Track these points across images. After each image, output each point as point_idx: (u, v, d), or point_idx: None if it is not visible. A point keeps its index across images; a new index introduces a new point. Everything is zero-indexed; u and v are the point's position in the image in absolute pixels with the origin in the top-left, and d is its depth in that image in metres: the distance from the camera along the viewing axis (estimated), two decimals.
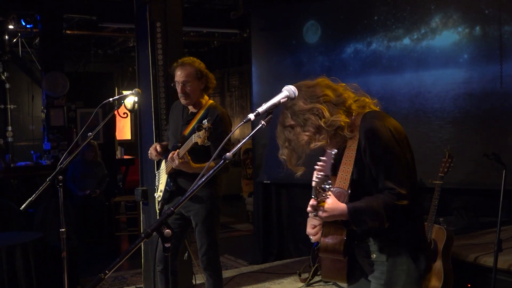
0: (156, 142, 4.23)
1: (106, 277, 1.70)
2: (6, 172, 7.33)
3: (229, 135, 2.37)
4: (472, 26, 5.03)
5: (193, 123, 3.52)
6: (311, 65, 5.91)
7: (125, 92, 3.86)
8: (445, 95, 5.16)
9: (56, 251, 3.78)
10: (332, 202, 2.00)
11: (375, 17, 5.58)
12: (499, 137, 4.94)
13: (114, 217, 7.35)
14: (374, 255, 2.13)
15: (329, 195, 1.99)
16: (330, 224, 2.10)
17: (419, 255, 2.11)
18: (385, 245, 2.10)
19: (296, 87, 2.09)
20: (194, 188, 1.85)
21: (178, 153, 3.35)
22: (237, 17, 7.44)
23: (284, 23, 6.11)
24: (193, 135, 3.22)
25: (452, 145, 4.67)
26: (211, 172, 1.91)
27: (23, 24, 8.19)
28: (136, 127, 7.89)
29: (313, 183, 1.96)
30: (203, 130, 3.12)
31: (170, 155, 3.38)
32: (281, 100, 2.01)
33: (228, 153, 1.88)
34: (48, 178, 3.27)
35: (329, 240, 2.11)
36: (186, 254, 4.32)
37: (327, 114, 2.03)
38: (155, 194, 3.84)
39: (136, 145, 5.71)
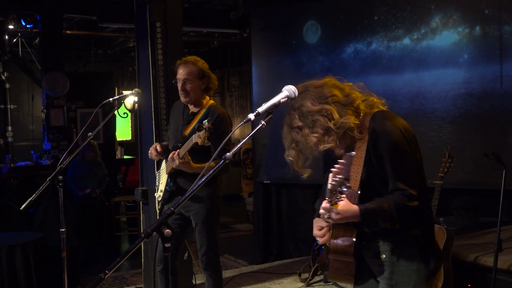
0: (156, 142, 4.23)
1: (106, 277, 1.70)
2: (7, 172, 7.32)
3: (229, 135, 2.36)
4: (472, 26, 5.03)
5: (194, 123, 3.52)
6: (311, 65, 5.91)
7: (125, 92, 3.86)
8: (445, 95, 5.16)
9: (56, 251, 3.78)
10: (344, 204, 1.97)
11: (375, 17, 5.58)
12: (499, 137, 4.94)
13: (114, 217, 7.35)
14: (384, 256, 2.11)
15: (343, 197, 1.96)
16: (340, 225, 2.07)
17: (429, 255, 2.11)
18: (395, 246, 2.09)
19: (303, 87, 2.06)
20: (194, 188, 1.85)
21: (178, 153, 3.35)
22: (237, 17, 7.44)
23: (284, 23, 6.11)
24: (193, 135, 3.22)
25: (452, 145, 4.67)
26: (211, 172, 1.91)
27: (23, 24, 8.19)
28: (136, 127, 7.88)
29: (329, 186, 1.91)
30: (203, 130, 3.12)
31: (170, 155, 3.38)
32: (281, 100, 2.00)
33: (228, 153, 1.88)
34: (48, 178, 3.27)
35: (339, 242, 2.09)
36: (186, 254, 4.32)
37: (336, 115, 2.00)
38: (155, 194, 3.84)
39: (136, 145, 5.71)
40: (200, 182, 1.86)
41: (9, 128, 10.66)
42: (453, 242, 3.86)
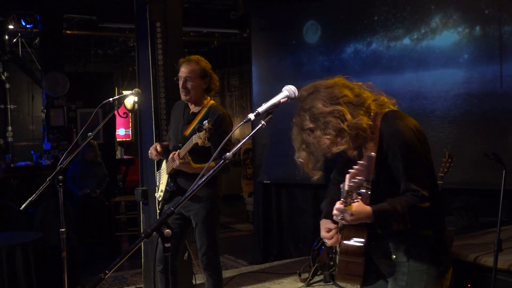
0: (156, 142, 4.23)
1: (106, 277, 1.70)
2: (6, 172, 7.32)
3: (228, 135, 2.36)
4: (472, 26, 5.03)
5: (194, 123, 3.52)
6: (311, 65, 5.91)
7: (125, 92, 3.86)
8: (445, 95, 5.16)
9: (56, 251, 3.78)
10: (358, 205, 1.94)
11: (375, 17, 5.58)
12: (499, 137, 4.94)
13: (114, 217, 7.35)
14: (394, 256, 2.10)
15: (359, 198, 1.93)
16: (351, 226, 2.05)
17: (440, 255, 2.10)
18: (406, 246, 2.08)
19: (313, 87, 2.04)
20: (194, 188, 1.85)
21: (178, 153, 3.35)
22: (237, 17, 7.44)
23: (284, 23, 6.11)
24: (193, 136, 3.22)
25: (452, 145, 4.67)
26: (211, 172, 1.91)
27: (23, 24, 8.19)
28: (136, 127, 7.88)
29: (347, 187, 1.88)
30: (204, 131, 3.11)
31: (170, 155, 3.38)
32: (281, 100, 1.99)
33: (228, 153, 1.87)
34: (48, 178, 3.27)
35: (350, 243, 2.07)
36: (186, 254, 4.32)
37: (348, 116, 1.97)
38: (155, 194, 3.84)
39: (136, 145, 5.71)
40: (200, 182, 1.86)
41: (9, 128, 10.67)
42: (453, 242, 3.86)
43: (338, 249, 2.26)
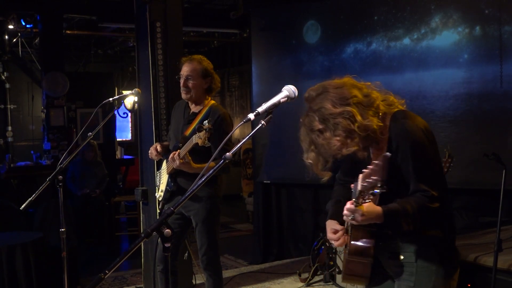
0: (156, 142, 4.23)
1: (106, 277, 1.70)
2: (6, 172, 7.33)
3: (228, 135, 2.36)
4: (472, 26, 5.03)
5: (195, 123, 3.52)
6: (311, 65, 5.91)
7: (125, 92, 3.86)
8: (445, 95, 5.16)
9: (56, 251, 3.78)
10: (369, 206, 1.92)
11: (375, 17, 5.58)
12: (499, 137, 4.94)
13: (114, 217, 7.35)
14: (402, 257, 2.08)
15: (371, 199, 1.90)
16: (359, 227, 2.03)
17: (448, 256, 2.09)
18: (414, 246, 2.06)
19: (322, 87, 2.02)
20: (194, 188, 1.85)
21: (179, 153, 3.35)
22: (237, 17, 7.44)
23: (284, 23, 6.11)
24: (193, 136, 3.22)
25: (452, 145, 4.67)
26: (211, 172, 1.91)
27: (23, 24, 8.19)
28: (136, 127, 7.88)
29: (360, 187, 1.84)
30: (204, 131, 3.12)
31: (171, 155, 3.38)
32: (281, 100, 1.98)
33: (228, 153, 1.87)
34: (48, 178, 3.27)
35: (359, 244, 2.05)
36: (186, 254, 4.32)
37: (359, 117, 1.95)
38: (156, 194, 3.84)
39: (136, 145, 5.71)
40: (200, 182, 1.85)
41: (9, 128, 10.67)
42: None
43: (344, 250, 2.25)
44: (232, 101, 11.65)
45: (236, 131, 9.92)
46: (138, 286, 5.13)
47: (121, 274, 5.65)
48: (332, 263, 4.71)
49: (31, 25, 8.23)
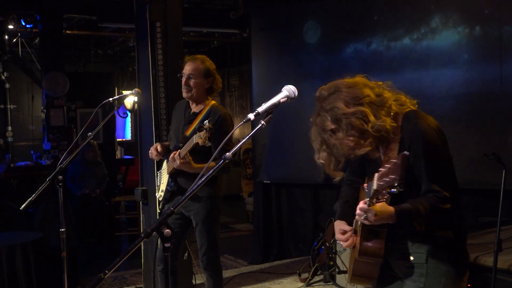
0: (155, 142, 4.23)
1: (106, 277, 1.70)
2: (6, 172, 7.33)
3: (228, 135, 2.36)
4: (472, 26, 5.03)
5: (195, 123, 3.52)
6: (311, 65, 5.91)
7: (125, 92, 3.86)
8: (445, 95, 5.16)
9: (56, 251, 3.78)
10: (382, 205, 1.91)
11: (375, 17, 5.57)
12: (499, 137, 4.94)
13: (114, 217, 7.35)
14: (412, 257, 2.06)
15: (386, 198, 1.89)
16: (369, 227, 2.01)
17: (458, 257, 2.07)
18: (425, 247, 2.04)
19: (334, 87, 2.00)
20: (194, 188, 1.85)
21: (179, 153, 3.35)
22: (237, 17, 7.44)
23: (284, 23, 6.11)
24: (194, 136, 3.22)
25: (452, 145, 4.64)
26: (210, 172, 1.91)
27: (23, 24, 8.19)
28: (136, 127, 7.88)
29: (376, 186, 1.81)
30: (204, 130, 3.12)
31: (171, 155, 3.38)
32: (281, 100, 1.97)
33: (227, 153, 1.86)
34: (48, 178, 3.27)
35: (369, 244, 2.03)
36: (186, 254, 4.32)
37: (372, 117, 1.94)
38: (156, 194, 3.84)
39: (136, 145, 5.71)
40: (200, 182, 1.85)
41: (9, 128, 10.67)
42: None
43: (351, 251, 2.23)
44: (232, 101, 11.65)
45: (236, 131, 9.92)
46: (138, 286, 5.13)
47: (121, 274, 5.65)
48: (332, 263, 4.71)
49: (31, 25, 8.23)
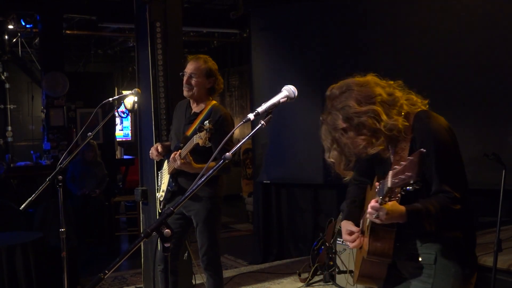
0: (155, 142, 4.23)
1: (106, 277, 1.70)
2: (6, 172, 7.33)
3: (228, 135, 2.35)
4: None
5: (196, 123, 3.52)
6: (311, 65, 5.90)
7: (125, 92, 3.86)
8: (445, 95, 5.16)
9: (56, 251, 3.78)
10: (393, 204, 1.88)
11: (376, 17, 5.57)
12: (499, 137, 4.94)
13: (114, 217, 7.35)
14: (421, 258, 2.04)
15: (398, 197, 1.85)
16: (379, 226, 1.99)
17: (467, 259, 2.05)
18: (434, 248, 2.03)
19: (346, 85, 1.99)
20: (194, 188, 1.85)
21: (180, 153, 3.35)
22: (237, 17, 7.43)
23: (284, 23, 6.10)
24: (194, 136, 3.22)
25: None
26: (210, 172, 1.91)
27: (23, 24, 8.20)
28: (136, 127, 7.88)
29: (390, 183, 1.76)
30: (204, 131, 3.12)
31: (172, 155, 3.38)
32: (281, 100, 1.97)
33: (227, 153, 1.86)
34: (48, 178, 3.27)
35: (378, 243, 2.02)
36: (186, 254, 4.32)
37: (384, 116, 1.92)
38: (157, 194, 3.85)
39: (136, 145, 5.71)
40: (200, 182, 1.85)
41: (9, 128, 10.68)
42: None
43: (358, 251, 2.22)
44: (232, 101, 11.66)
45: (236, 131, 9.91)
46: (138, 286, 5.14)
47: (121, 274, 5.65)
48: (332, 263, 4.71)
49: (31, 25, 8.23)
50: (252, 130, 5.29)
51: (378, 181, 1.98)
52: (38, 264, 4.26)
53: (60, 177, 3.31)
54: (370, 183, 2.29)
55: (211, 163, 2.22)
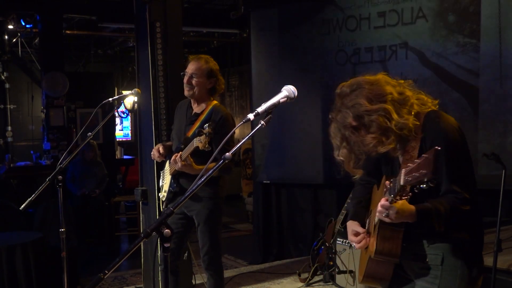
0: (155, 142, 4.23)
1: (105, 277, 1.70)
2: (6, 172, 7.33)
3: (228, 136, 2.35)
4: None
5: (197, 123, 3.52)
6: (311, 65, 5.90)
7: (124, 92, 3.86)
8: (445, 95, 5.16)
9: (56, 251, 3.78)
10: (403, 203, 1.87)
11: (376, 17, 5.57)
12: (499, 137, 4.94)
13: (114, 217, 7.35)
14: (428, 259, 2.03)
15: (409, 196, 1.82)
16: (387, 226, 1.98)
17: (474, 260, 2.04)
18: (441, 249, 2.01)
19: (356, 83, 1.99)
20: (193, 188, 1.85)
21: (180, 155, 3.35)
22: (237, 17, 7.44)
23: (284, 23, 6.10)
24: (194, 139, 3.22)
25: None
26: (210, 172, 1.90)
27: (23, 24, 8.20)
28: (136, 127, 7.89)
29: (403, 181, 1.74)
30: (204, 135, 3.11)
31: (173, 157, 3.38)
32: (281, 100, 1.97)
33: (227, 153, 1.86)
34: (48, 178, 3.27)
35: (386, 243, 2.01)
36: (186, 254, 4.32)
37: (395, 115, 1.91)
38: (159, 194, 3.85)
39: (136, 145, 5.71)
40: (199, 182, 1.85)
41: (9, 128, 10.68)
42: None
43: (363, 251, 2.21)
44: (232, 101, 11.66)
45: (236, 131, 9.89)
46: (137, 286, 5.14)
47: (121, 274, 5.65)
48: (331, 263, 4.71)
49: (31, 25, 8.23)
50: (252, 130, 5.29)
51: (386, 181, 1.97)
52: (38, 264, 4.26)
53: (60, 177, 3.31)
54: (376, 183, 2.28)
55: (211, 164, 2.22)
